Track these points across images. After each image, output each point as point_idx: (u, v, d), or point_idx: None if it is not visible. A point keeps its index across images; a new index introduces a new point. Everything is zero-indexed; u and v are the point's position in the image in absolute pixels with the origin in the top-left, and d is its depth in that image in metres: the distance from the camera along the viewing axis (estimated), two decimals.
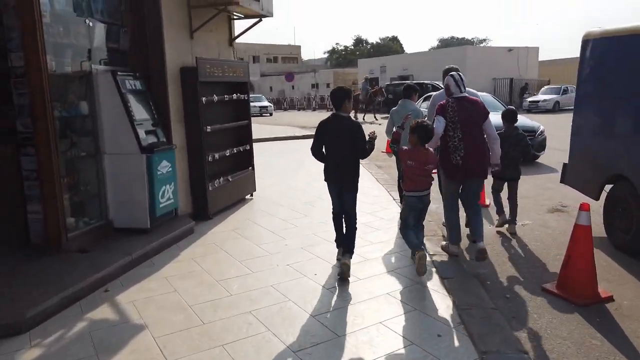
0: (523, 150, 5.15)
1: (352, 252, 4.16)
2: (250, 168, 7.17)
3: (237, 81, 6.71)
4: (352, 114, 5.05)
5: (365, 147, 3.95)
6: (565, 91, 27.46)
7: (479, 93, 6.18)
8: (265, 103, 33.39)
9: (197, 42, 6.10)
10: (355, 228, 4.19)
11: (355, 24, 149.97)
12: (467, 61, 31.15)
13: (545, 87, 29.62)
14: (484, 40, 66.21)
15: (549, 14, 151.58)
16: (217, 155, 6.14)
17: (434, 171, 4.32)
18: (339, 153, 4.01)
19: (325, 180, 4.20)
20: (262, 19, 6.83)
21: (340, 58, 67.94)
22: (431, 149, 4.13)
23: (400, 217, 4.45)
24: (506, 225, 5.39)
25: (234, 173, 6.71)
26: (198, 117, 5.77)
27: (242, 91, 6.89)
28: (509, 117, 5.21)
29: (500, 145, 4.53)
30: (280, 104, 43.90)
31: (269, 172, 9.34)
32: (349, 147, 3.96)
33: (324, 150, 4.10)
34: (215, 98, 6.12)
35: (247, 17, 6.83)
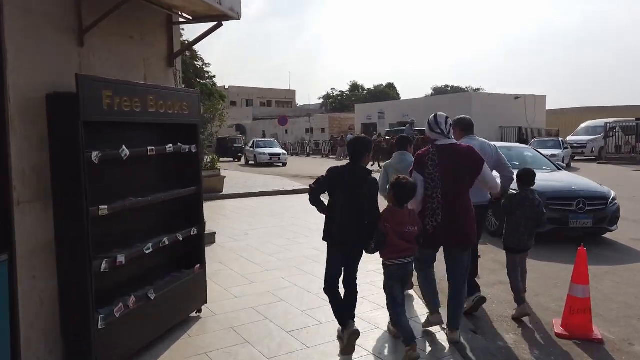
0: (538, 218, 4.53)
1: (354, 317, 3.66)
2: (198, 266, 4.30)
3: (175, 123, 3.95)
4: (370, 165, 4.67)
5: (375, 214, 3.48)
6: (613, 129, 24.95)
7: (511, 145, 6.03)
8: (278, 150, 26.86)
9: (99, 53, 3.39)
10: (357, 292, 3.71)
11: (350, 71, 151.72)
12: (473, 108, 29.16)
13: (584, 125, 27.39)
14: (478, 89, 65.23)
15: (552, 62, 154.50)
16: (121, 257, 3.28)
17: None
18: (354, 211, 3.47)
19: (327, 241, 3.61)
20: (224, 22, 4.15)
21: (335, 103, 66.67)
22: (411, 209, 3.54)
23: (385, 291, 3.67)
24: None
25: (161, 282, 3.85)
26: (78, 189, 2.95)
27: (188, 139, 4.11)
28: (525, 178, 4.60)
29: (512, 212, 4.43)
30: None
31: (237, 255, 6.49)
32: (366, 205, 3.48)
33: (328, 200, 3.56)
34: (126, 152, 3.32)
35: (198, 19, 4.15)
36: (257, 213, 10.04)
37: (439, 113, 3.76)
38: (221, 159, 27.81)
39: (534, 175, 4.62)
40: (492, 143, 4.75)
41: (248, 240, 7.38)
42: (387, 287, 3.59)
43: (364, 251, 3.58)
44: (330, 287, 3.62)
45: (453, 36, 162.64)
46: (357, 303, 3.77)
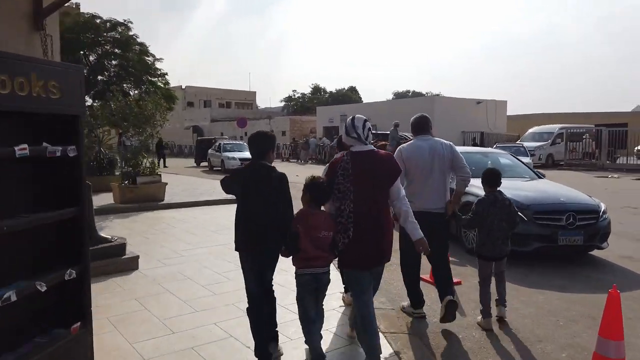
0: (511, 219, 4.26)
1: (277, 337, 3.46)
2: (77, 325, 2.92)
3: (42, 112, 2.58)
4: None
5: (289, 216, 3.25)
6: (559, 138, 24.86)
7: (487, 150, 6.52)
8: (247, 154, 23.99)
9: None
10: (275, 304, 3.46)
11: (312, 74, 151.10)
12: (435, 112, 28.63)
13: (531, 131, 27.21)
14: (438, 95, 65.69)
15: (511, 71, 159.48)
16: None
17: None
18: (261, 213, 3.21)
19: (238, 249, 3.33)
20: None
21: (297, 106, 65.46)
22: (327, 213, 3.25)
23: (297, 303, 3.28)
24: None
25: (10, 356, 2.48)
26: None
27: (63, 136, 2.75)
28: (492, 179, 4.32)
29: (483, 215, 4.20)
30: None
31: (161, 288, 5.12)
32: (274, 205, 3.23)
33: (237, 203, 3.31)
34: None
35: None
36: (200, 227, 8.62)
37: (357, 116, 3.34)
38: (202, 164, 25.75)
39: (500, 175, 4.38)
40: (447, 142, 4.41)
41: (181, 264, 6.00)
42: (298, 299, 3.29)
43: (279, 255, 3.33)
44: (253, 308, 3.33)
45: (414, 42, 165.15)
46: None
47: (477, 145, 26.42)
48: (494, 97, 33.32)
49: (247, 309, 3.37)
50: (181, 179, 17.30)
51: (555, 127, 26.34)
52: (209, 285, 5.13)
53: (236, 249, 3.36)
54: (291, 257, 3.29)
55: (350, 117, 3.34)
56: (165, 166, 25.54)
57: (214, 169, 24.50)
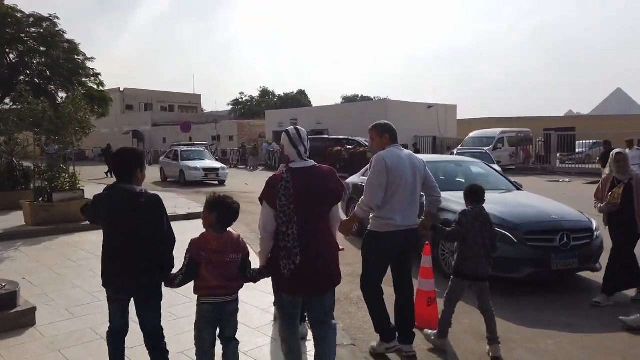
0: (493, 239, 3.98)
1: None
2: None
3: None
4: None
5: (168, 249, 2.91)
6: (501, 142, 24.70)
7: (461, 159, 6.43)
8: (214, 163, 19.89)
9: None
10: (166, 353, 3.01)
11: (260, 78, 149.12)
12: (389, 116, 28.08)
13: (472, 135, 26.49)
14: (385, 99, 66.17)
15: (455, 77, 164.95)
16: None
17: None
18: (132, 249, 2.82)
19: (105, 285, 2.93)
20: None
21: (245, 109, 63.65)
22: (234, 233, 2.94)
23: (194, 331, 2.94)
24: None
25: None
26: None
27: None
28: (475, 197, 4.04)
29: (467, 227, 3.88)
30: None
31: (58, 356, 3.74)
32: (146, 232, 2.83)
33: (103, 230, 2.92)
34: None
35: None
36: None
37: (299, 127, 3.10)
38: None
39: (483, 191, 4.09)
40: (420, 156, 4.22)
41: (95, 314, 4.58)
42: (196, 328, 2.94)
43: (164, 285, 2.94)
44: (113, 341, 2.99)
45: (361, 48, 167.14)
46: None
47: (417, 151, 25.72)
48: (440, 102, 33.31)
49: (109, 340, 3.01)
50: None
51: (496, 132, 25.81)
52: (132, 348, 3.68)
53: (103, 285, 2.96)
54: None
55: (293, 126, 3.11)
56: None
57: (169, 180, 20.43)
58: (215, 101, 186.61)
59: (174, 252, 2.97)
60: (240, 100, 67.39)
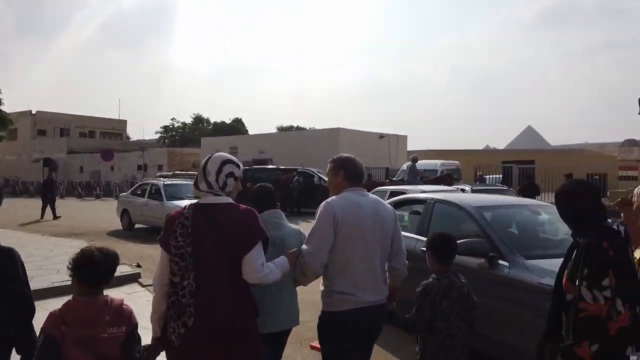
0: (470, 316, 2.97)
1: None
2: None
3: None
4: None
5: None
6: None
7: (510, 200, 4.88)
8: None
9: None
10: None
11: (192, 106, 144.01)
12: (340, 145, 25.82)
13: (405, 167, 24.32)
14: (338, 128, 65.13)
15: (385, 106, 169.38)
16: None
17: None
18: None
19: None
20: None
21: (177, 136, 59.22)
22: (117, 298, 2.32)
23: None
24: None
25: None
26: None
27: None
28: (446, 252, 3.04)
29: (433, 311, 2.88)
30: (92, 188, 32.76)
31: None
32: None
33: None
34: None
35: None
36: None
37: (214, 155, 2.51)
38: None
39: (454, 240, 3.11)
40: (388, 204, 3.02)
41: None
42: None
43: None
44: None
45: (290, 78, 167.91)
46: None
47: (372, 182, 23.01)
48: (394, 132, 31.74)
49: None
50: (37, 241, 10.95)
51: (437, 163, 24.18)
52: None
53: None
54: None
55: (206, 157, 2.51)
56: (55, 217, 16.59)
57: (136, 226, 13.89)
58: (144, 128, 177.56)
59: None
60: (171, 127, 62.90)
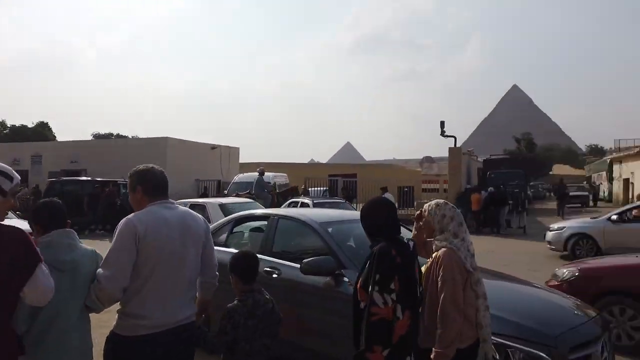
0: (273, 333, 3.04)
1: None
2: None
3: None
4: None
5: None
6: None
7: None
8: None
9: None
10: None
11: None
12: (168, 157, 24.36)
13: (236, 179, 22.99)
14: (165, 137, 61.20)
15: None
16: None
17: None
18: None
19: None
20: None
21: None
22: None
23: None
24: None
25: None
26: None
27: None
28: (248, 271, 3.13)
29: (238, 333, 2.86)
30: None
31: None
32: None
33: None
34: None
35: None
36: None
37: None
38: None
39: (255, 258, 3.15)
40: (198, 214, 2.89)
41: None
42: None
43: None
44: None
45: (116, 79, 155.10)
46: None
47: (206, 195, 22.00)
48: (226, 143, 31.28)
49: None
50: None
51: (269, 175, 22.95)
52: None
53: None
54: None
55: None
56: None
57: None
58: None
59: None
60: None
